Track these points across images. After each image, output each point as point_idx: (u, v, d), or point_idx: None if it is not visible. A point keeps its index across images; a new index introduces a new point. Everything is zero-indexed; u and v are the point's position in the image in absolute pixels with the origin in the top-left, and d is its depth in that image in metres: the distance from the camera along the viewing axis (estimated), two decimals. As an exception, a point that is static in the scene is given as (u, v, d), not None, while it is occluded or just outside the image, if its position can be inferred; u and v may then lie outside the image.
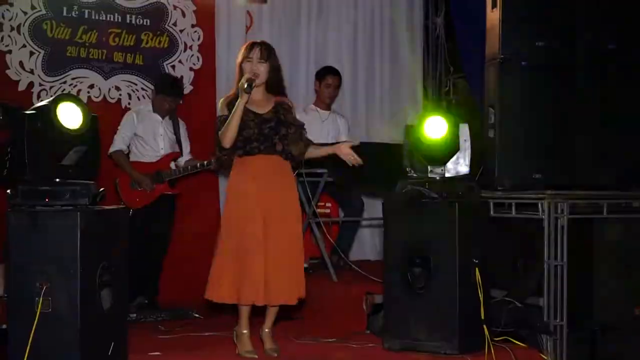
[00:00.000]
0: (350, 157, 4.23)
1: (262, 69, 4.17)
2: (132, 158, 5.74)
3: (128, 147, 5.75)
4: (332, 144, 5.95)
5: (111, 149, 5.65)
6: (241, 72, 4.16)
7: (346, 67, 7.23)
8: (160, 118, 5.78)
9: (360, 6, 7.37)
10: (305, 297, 4.25)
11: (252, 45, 4.21)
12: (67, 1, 6.04)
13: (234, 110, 4.06)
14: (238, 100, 4.06)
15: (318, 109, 6.32)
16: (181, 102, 5.99)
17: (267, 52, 4.19)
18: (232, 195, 4.20)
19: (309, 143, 4.28)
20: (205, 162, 5.67)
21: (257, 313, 4.26)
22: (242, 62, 4.18)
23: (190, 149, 5.96)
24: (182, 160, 5.86)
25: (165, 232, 5.82)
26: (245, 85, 4.01)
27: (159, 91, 5.79)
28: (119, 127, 5.69)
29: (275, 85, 4.25)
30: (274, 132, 4.16)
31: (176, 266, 5.99)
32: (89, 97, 6.10)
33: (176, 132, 5.85)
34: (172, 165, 5.80)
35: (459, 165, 4.45)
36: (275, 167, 4.19)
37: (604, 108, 4.92)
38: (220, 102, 4.25)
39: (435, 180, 4.41)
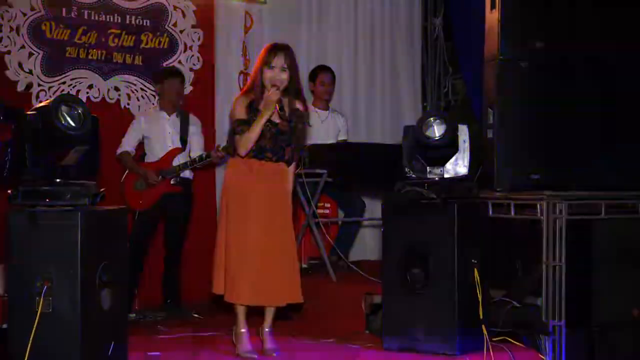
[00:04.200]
0: None
1: (284, 77, 4.13)
2: (147, 160, 5.76)
3: (136, 149, 5.76)
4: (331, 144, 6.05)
5: (118, 151, 5.70)
6: (260, 75, 4.14)
7: (346, 68, 7.26)
8: (167, 115, 5.77)
9: (360, 7, 7.39)
10: (302, 301, 4.28)
11: (276, 50, 4.14)
12: (67, 2, 6.04)
13: (256, 123, 4.06)
14: (262, 113, 4.06)
15: (317, 109, 6.33)
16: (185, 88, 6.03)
17: (290, 59, 4.14)
18: (231, 194, 4.20)
19: (299, 160, 4.37)
20: (204, 155, 5.61)
21: (256, 312, 4.27)
22: (262, 66, 4.14)
23: (205, 146, 5.90)
24: (185, 156, 5.78)
25: (177, 229, 5.78)
26: (277, 107, 4.07)
27: (160, 79, 5.80)
28: (127, 130, 5.75)
29: (292, 91, 4.22)
30: (287, 143, 4.19)
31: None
32: (88, 98, 6.08)
33: (183, 129, 5.79)
34: (175, 161, 5.74)
35: (458, 166, 4.45)
36: (277, 171, 4.22)
37: (602, 109, 4.93)
38: (235, 102, 4.22)
39: (434, 181, 4.41)
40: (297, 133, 4.23)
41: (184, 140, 5.78)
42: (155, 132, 5.75)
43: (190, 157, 5.75)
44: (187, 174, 5.77)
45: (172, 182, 5.68)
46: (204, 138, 5.95)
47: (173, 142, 5.76)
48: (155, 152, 5.74)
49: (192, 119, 5.92)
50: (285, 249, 4.19)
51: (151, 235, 5.72)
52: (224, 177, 4.31)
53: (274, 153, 4.16)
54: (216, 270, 4.18)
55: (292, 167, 4.33)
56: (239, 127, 4.13)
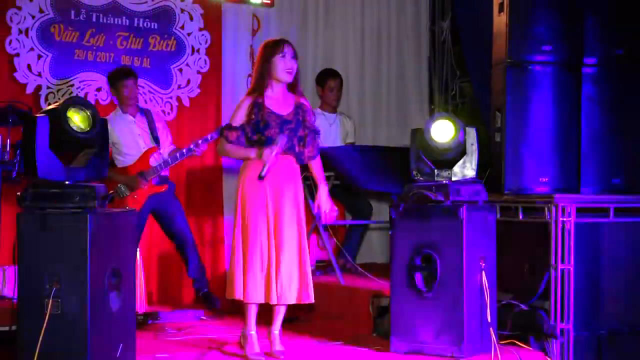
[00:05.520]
0: (324, 212, 4.38)
1: (296, 66, 4.23)
2: (118, 165, 5.63)
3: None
4: (339, 146, 6.05)
5: None
6: (270, 66, 4.19)
7: (353, 71, 7.26)
8: (132, 117, 5.70)
9: (367, 10, 7.38)
10: (313, 302, 4.27)
11: (282, 43, 4.24)
12: (75, 5, 6.07)
13: (245, 153, 4.18)
14: (258, 151, 4.14)
15: (324, 112, 6.34)
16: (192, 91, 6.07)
17: (296, 52, 4.26)
18: (244, 194, 4.20)
19: (318, 153, 4.36)
20: (185, 150, 5.54)
21: (265, 315, 4.28)
22: (272, 56, 4.19)
23: (172, 140, 5.88)
24: (164, 154, 5.71)
25: (182, 219, 5.74)
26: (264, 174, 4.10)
27: (113, 82, 5.70)
28: None
29: (296, 85, 4.29)
30: (294, 133, 4.19)
31: (181, 267, 5.97)
32: (97, 100, 6.10)
33: (151, 127, 5.73)
34: (152, 161, 5.63)
35: (466, 169, 4.45)
36: (288, 167, 4.24)
37: (610, 112, 4.93)
38: (242, 101, 4.27)
39: (442, 184, 4.42)
40: (305, 124, 4.26)
41: (156, 138, 5.72)
42: (125, 136, 5.63)
43: (172, 153, 5.67)
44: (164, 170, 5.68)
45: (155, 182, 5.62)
46: (170, 133, 5.90)
47: (145, 142, 5.68)
48: (128, 156, 5.63)
49: (156, 114, 5.88)
50: (300, 246, 4.20)
51: (140, 238, 5.56)
52: (239, 182, 4.27)
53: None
54: (236, 276, 4.15)
55: (318, 166, 4.37)
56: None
